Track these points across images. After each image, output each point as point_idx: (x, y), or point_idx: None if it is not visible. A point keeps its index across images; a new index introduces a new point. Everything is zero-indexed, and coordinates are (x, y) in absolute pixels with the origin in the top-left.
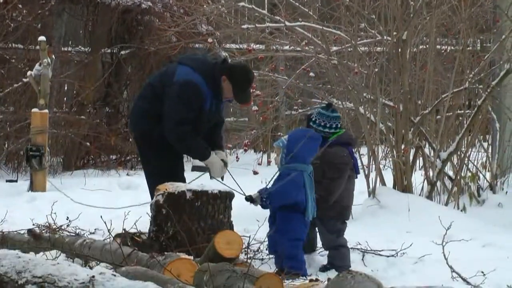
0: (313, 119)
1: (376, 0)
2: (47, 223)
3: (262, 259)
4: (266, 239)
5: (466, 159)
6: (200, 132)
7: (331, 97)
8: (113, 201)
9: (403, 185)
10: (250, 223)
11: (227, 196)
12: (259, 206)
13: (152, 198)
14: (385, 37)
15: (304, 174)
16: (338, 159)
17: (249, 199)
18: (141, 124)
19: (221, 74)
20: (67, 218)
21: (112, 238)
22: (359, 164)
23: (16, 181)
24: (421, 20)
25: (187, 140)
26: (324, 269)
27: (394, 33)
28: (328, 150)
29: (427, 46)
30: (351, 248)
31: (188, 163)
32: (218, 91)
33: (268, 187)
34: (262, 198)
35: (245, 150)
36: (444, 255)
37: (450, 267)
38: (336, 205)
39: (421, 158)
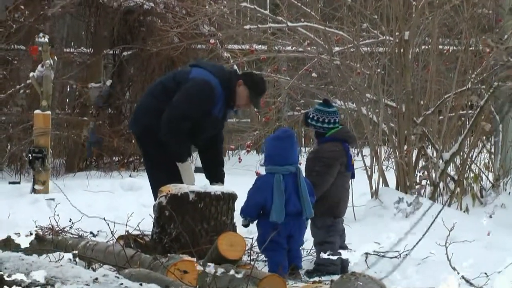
0: (311, 115)
1: (378, 0)
2: (50, 225)
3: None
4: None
5: (469, 159)
6: (201, 137)
7: (333, 97)
8: (116, 202)
9: (406, 186)
10: (253, 225)
11: (230, 198)
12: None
13: (154, 197)
14: (387, 37)
15: (275, 176)
16: (327, 154)
17: (245, 225)
18: (144, 120)
19: (237, 79)
20: (70, 220)
21: (115, 240)
22: (362, 164)
23: (19, 182)
24: (423, 20)
25: (178, 136)
26: (306, 273)
27: (396, 33)
28: (321, 145)
29: (429, 46)
30: (354, 250)
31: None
32: (231, 96)
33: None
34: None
35: (248, 151)
36: (448, 256)
37: (454, 268)
38: (325, 201)
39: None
